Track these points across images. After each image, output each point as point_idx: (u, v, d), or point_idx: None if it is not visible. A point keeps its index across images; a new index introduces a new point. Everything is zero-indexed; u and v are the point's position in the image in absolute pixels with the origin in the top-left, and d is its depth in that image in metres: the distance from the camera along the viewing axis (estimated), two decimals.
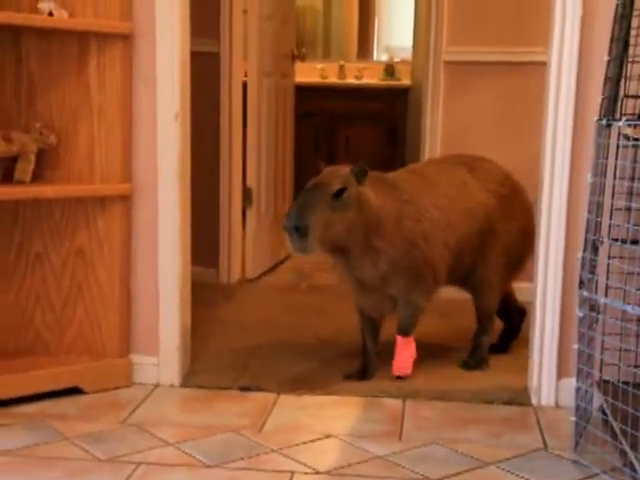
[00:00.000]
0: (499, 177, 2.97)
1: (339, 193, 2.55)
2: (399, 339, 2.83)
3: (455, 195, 2.84)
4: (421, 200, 2.76)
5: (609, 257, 2.33)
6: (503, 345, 3.16)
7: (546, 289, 2.64)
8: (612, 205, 2.30)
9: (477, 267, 2.92)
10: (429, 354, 3.05)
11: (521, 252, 3.01)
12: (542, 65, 2.68)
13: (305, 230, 2.48)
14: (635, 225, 2.18)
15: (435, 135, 3.86)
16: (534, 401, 2.69)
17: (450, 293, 3.16)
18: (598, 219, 2.24)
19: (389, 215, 2.67)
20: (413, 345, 2.84)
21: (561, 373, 2.66)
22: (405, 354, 2.83)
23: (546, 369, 2.67)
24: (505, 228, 2.93)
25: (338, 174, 2.61)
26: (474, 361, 2.97)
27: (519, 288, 3.19)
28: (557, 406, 2.66)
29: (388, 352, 2.90)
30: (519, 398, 2.70)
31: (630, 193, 2.29)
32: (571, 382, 2.42)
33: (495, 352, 3.08)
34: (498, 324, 3.15)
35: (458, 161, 3.00)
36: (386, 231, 2.66)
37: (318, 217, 2.51)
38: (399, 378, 2.81)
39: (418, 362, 2.92)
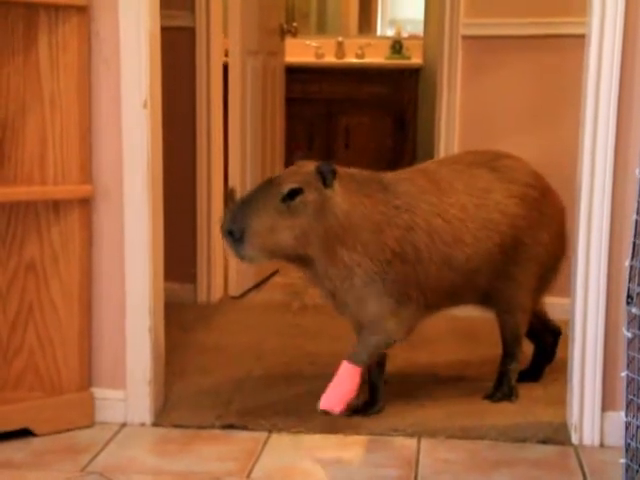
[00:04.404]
0: (527, 178, 2.95)
1: (291, 195, 2.54)
2: (344, 364, 2.71)
3: (472, 205, 2.82)
4: (419, 207, 2.74)
5: None
6: (535, 372, 3.14)
7: (587, 306, 2.63)
8: None
9: (501, 285, 2.90)
10: (447, 384, 3.04)
11: (554, 262, 3.00)
12: (580, 38, 2.67)
13: (240, 235, 2.49)
14: None
15: (452, 124, 3.86)
16: (575, 439, 2.67)
17: (470, 311, 3.14)
18: None
19: (364, 222, 2.64)
20: (357, 379, 2.70)
21: (607, 406, 2.65)
22: (343, 386, 2.69)
23: (588, 401, 2.65)
24: (535, 239, 2.91)
25: (298, 172, 2.61)
26: (501, 392, 2.95)
27: (552, 304, 3.17)
28: (602, 445, 2.65)
29: (398, 382, 2.88)
30: (557, 436, 2.69)
31: None
32: (619, 416, 2.40)
33: (526, 380, 3.06)
34: (527, 347, 3.13)
35: (478, 160, 2.97)
36: (360, 241, 2.63)
37: (259, 221, 2.51)
38: (325, 413, 2.67)
39: (435, 394, 2.90)
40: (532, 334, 3.13)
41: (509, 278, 2.89)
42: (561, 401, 2.79)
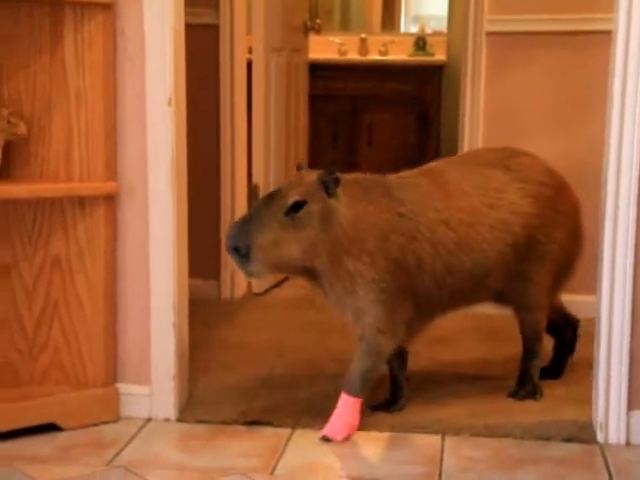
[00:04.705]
0: (541, 176, 2.91)
1: (295, 207, 2.51)
2: (343, 397, 2.68)
3: (483, 206, 2.78)
4: (424, 214, 2.69)
5: None
6: (557, 367, 3.13)
7: (612, 303, 2.62)
8: None
9: (515, 284, 2.88)
10: (470, 381, 3.04)
11: (569, 259, 2.97)
12: (606, 35, 2.67)
13: (246, 251, 2.46)
14: None
15: (476, 121, 3.85)
16: (600, 438, 2.66)
17: (488, 308, 3.13)
18: None
19: (370, 229, 2.61)
20: (357, 409, 2.68)
21: (633, 404, 2.64)
22: (345, 417, 2.67)
23: (614, 399, 2.64)
24: (549, 237, 2.88)
25: (300, 183, 2.57)
26: (525, 390, 2.94)
27: (577, 303, 3.16)
28: (628, 444, 2.64)
29: (421, 380, 2.88)
30: (582, 434, 2.68)
31: None
32: None
33: (548, 377, 3.05)
34: (547, 343, 3.11)
35: (491, 160, 2.93)
36: (365, 250, 2.60)
37: (264, 236, 2.47)
38: (326, 440, 2.64)
39: (458, 391, 2.90)
40: (551, 329, 3.11)
41: (524, 277, 2.87)
42: (586, 399, 2.78)
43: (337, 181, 2.56)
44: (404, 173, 2.83)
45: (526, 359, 2.98)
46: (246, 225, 2.50)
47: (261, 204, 2.55)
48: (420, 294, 2.69)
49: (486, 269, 2.78)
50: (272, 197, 2.54)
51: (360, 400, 2.68)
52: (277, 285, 4.32)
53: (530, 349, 2.97)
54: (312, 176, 2.58)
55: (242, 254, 2.46)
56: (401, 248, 2.63)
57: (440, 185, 2.78)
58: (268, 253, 2.49)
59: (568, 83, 3.73)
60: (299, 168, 2.70)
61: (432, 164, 2.95)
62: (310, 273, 2.62)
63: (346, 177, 2.64)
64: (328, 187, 2.55)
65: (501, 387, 3.00)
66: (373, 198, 2.66)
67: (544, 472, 2.45)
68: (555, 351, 3.15)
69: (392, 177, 2.79)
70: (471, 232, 2.74)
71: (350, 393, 2.67)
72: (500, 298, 2.93)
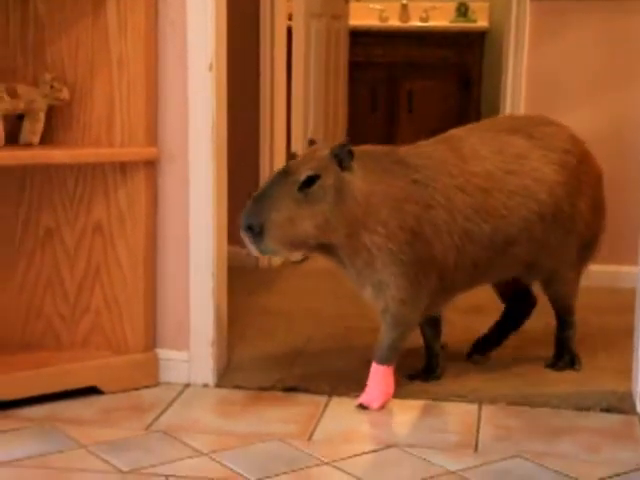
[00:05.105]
0: (565, 143, 2.85)
1: (308, 182, 2.45)
2: (374, 366, 2.68)
3: (502, 171, 2.72)
4: (439, 180, 2.64)
5: None
6: (490, 340, 3.04)
7: None
8: None
9: (543, 258, 2.83)
10: (507, 351, 3.04)
11: (593, 231, 2.92)
12: None
13: (260, 229, 2.41)
14: None
15: (518, 89, 3.82)
16: None
17: None
18: None
19: (384, 200, 2.55)
20: (391, 378, 2.68)
21: None
22: (380, 386, 2.67)
23: None
24: (575, 207, 2.83)
25: (312, 157, 2.51)
26: (563, 362, 2.95)
27: (618, 273, 3.14)
28: None
29: (457, 349, 2.88)
30: (621, 405, 2.67)
31: None
32: None
33: (477, 351, 3.00)
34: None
35: (512, 126, 2.88)
36: (379, 220, 2.54)
37: (278, 213, 2.42)
38: (362, 407, 2.65)
39: (494, 361, 2.90)
40: (506, 297, 3.04)
41: (549, 249, 2.82)
42: (626, 370, 2.77)
43: (350, 154, 2.50)
44: (421, 142, 2.78)
45: (560, 329, 2.98)
46: (259, 203, 2.44)
47: (273, 181, 2.49)
48: (442, 264, 2.65)
49: (508, 236, 2.72)
50: (285, 173, 2.48)
51: (391, 368, 2.69)
52: None
53: (564, 320, 2.97)
54: (324, 150, 2.52)
55: (256, 232, 2.42)
56: (417, 218, 2.59)
57: (455, 150, 2.73)
58: (283, 230, 2.44)
59: (615, 50, 3.68)
60: (311, 143, 2.65)
61: (452, 131, 2.88)
62: (327, 249, 2.58)
63: (358, 149, 2.57)
64: (341, 160, 2.49)
65: (539, 356, 3.01)
66: (386, 166, 2.61)
67: (581, 442, 2.45)
68: (499, 322, 3.05)
69: (406, 147, 2.74)
70: (489, 198, 2.68)
71: (380, 362, 2.68)
72: (530, 271, 2.87)
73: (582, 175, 2.86)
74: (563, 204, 2.80)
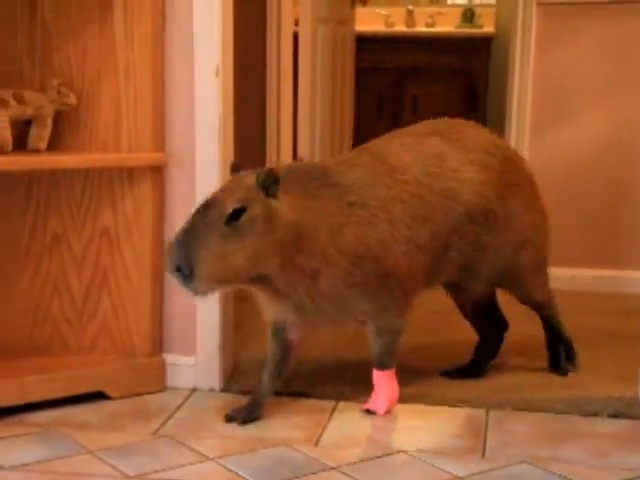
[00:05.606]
0: (484, 145, 2.79)
1: (235, 215, 2.30)
2: (376, 373, 2.68)
3: (427, 175, 2.66)
4: (375, 196, 2.55)
5: None
6: (473, 369, 2.96)
7: None
8: None
9: (481, 261, 2.75)
10: (512, 356, 3.04)
11: (536, 233, 2.86)
12: None
13: (190, 270, 2.25)
14: None
15: (524, 94, 3.82)
16: None
17: None
18: None
19: (317, 227, 2.44)
20: (394, 382, 2.68)
21: None
22: (383, 391, 2.67)
23: None
24: (507, 208, 2.76)
25: (238, 187, 2.37)
26: (559, 353, 2.96)
27: (627, 278, 3.14)
28: None
29: (465, 353, 2.89)
30: (628, 410, 2.67)
31: None
32: None
33: (465, 377, 2.93)
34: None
35: (430, 130, 2.82)
36: (316, 248, 2.43)
37: (206, 251, 2.26)
38: (368, 412, 2.66)
39: (500, 366, 2.90)
40: (476, 322, 3.00)
41: (488, 251, 2.75)
42: (633, 376, 2.76)
43: (276, 181, 2.37)
44: (345, 155, 2.72)
45: (544, 324, 2.99)
46: (185, 242, 2.28)
47: (198, 216, 2.32)
48: (396, 274, 2.58)
49: (445, 240, 2.66)
50: (209, 207, 2.32)
51: (392, 371, 2.68)
52: None
53: (542, 316, 2.97)
54: (249, 178, 2.38)
55: (186, 274, 2.25)
56: (362, 240, 2.51)
57: (382, 160, 2.66)
58: (213, 268, 2.27)
59: (622, 56, 3.66)
60: (235, 169, 2.51)
61: (372, 142, 2.80)
62: (262, 280, 2.43)
63: (283, 171, 2.46)
64: (267, 188, 2.36)
65: (545, 362, 3.00)
66: (316, 192, 2.48)
67: (588, 447, 2.45)
68: (476, 351, 3.00)
69: (332, 162, 2.69)
70: (422, 204, 2.62)
71: (380, 368, 2.67)
72: (470, 275, 2.78)
73: (507, 175, 2.79)
74: (492, 204, 2.73)
